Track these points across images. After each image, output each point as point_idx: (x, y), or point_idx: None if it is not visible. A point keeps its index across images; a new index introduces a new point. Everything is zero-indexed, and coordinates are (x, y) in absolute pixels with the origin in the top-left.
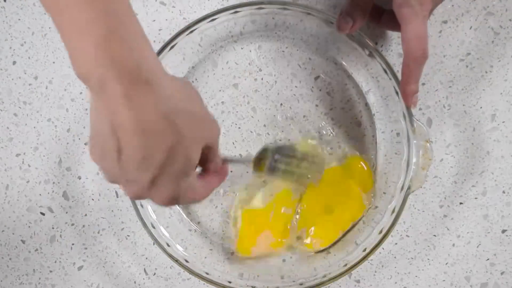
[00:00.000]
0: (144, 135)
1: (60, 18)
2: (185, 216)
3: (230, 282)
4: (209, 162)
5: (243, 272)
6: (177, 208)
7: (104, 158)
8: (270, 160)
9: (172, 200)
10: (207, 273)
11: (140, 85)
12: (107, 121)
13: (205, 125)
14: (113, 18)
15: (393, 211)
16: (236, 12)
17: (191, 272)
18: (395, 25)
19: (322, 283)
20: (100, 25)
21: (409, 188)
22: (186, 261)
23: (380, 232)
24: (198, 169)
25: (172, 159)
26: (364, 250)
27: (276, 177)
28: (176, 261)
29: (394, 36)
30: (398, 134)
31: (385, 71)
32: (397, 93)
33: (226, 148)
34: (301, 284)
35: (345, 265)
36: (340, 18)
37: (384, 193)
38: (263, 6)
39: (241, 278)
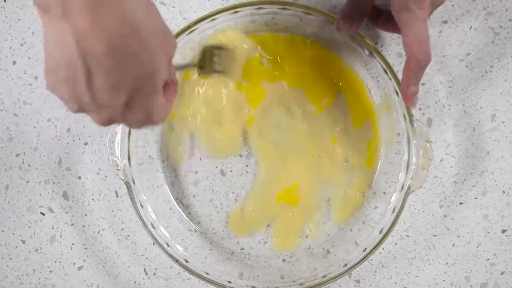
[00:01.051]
0: (117, 54)
1: None
2: (185, 216)
3: (230, 282)
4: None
5: (243, 272)
6: (177, 208)
7: (70, 86)
8: (210, 62)
9: (146, 120)
10: (207, 273)
11: (106, 1)
12: (73, 45)
13: (168, 38)
14: None
15: (393, 211)
16: (236, 12)
17: (191, 272)
18: (393, 27)
19: (322, 283)
20: None
21: (409, 188)
22: (186, 261)
23: (380, 232)
24: None
25: (145, 76)
26: (364, 250)
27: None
28: (176, 261)
29: (394, 36)
30: (398, 134)
31: (385, 71)
32: (397, 93)
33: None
34: (301, 284)
35: (345, 265)
36: (340, 19)
37: (384, 193)
38: (263, 6)
39: (241, 278)
